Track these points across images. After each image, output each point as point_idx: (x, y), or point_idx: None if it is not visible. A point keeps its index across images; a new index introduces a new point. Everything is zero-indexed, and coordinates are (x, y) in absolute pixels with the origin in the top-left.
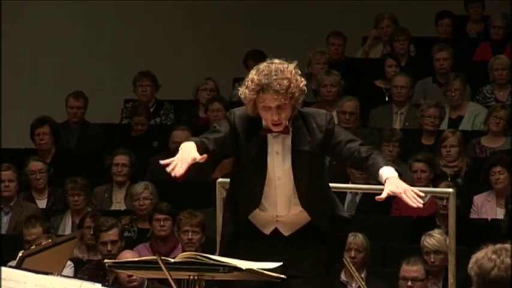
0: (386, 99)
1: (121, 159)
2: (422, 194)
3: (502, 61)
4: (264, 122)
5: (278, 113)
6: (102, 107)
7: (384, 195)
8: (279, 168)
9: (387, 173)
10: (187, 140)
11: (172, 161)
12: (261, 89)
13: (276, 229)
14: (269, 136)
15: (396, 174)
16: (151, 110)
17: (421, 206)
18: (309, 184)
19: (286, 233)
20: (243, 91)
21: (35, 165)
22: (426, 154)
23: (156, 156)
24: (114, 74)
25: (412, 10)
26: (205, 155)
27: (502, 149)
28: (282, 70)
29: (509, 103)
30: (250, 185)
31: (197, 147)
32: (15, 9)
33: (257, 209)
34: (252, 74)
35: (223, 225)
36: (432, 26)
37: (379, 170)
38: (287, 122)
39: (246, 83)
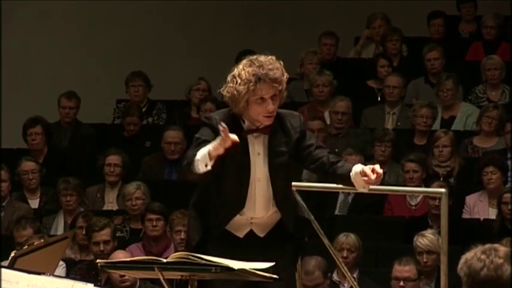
0: (379, 99)
1: (113, 159)
2: (380, 172)
3: (494, 61)
4: (245, 123)
5: (273, 103)
6: (94, 107)
7: (352, 171)
8: (260, 169)
9: (360, 165)
10: (179, 139)
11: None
12: (258, 79)
13: (251, 231)
14: (250, 137)
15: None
16: (144, 110)
17: (371, 180)
18: (284, 186)
19: (261, 234)
20: (232, 87)
21: (28, 165)
22: (418, 154)
23: (148, 156)
24: (106, 74)
25: (405, 10)
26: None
27: (494, 149)
28: (271, 61)
29: (501, 103)
30: (234, 187)
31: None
32: (8, 9)
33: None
34: (240, 69)
35: (189, 233)
36: (424, 26)
37: (351, 168)
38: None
39: (235, 79)
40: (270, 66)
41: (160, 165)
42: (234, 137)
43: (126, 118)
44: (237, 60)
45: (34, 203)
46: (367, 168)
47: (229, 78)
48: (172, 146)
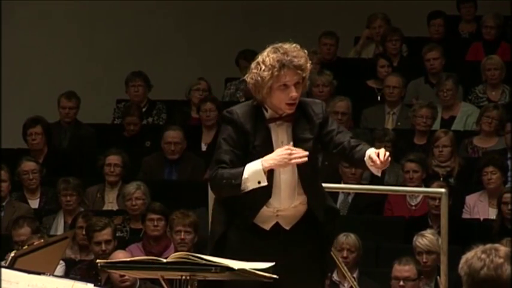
0: (379, 99)
1: (113, 159)
2: (387, 155)
3: (494, 61)
4: (268, 112)
5: (296, 90)
6: (94, 107)
7: (366, 156)
8: None
9: (371, 150)
10: (179, 139)
11: (284, 158)
12: (282, 65)
13: (276, 224)
14: (273, 126)
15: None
16: (144, 110)
17: (378, 165)
18: (311, 173)
19: (287, 227)
20: (256, 74)
21: (28, 165)
22: (418, 154)
23: (148, 156)
24: (106, 74)
25: (405, 10)
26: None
27: (494, 149)
28: (295, 49)
29: (501, 103)
30: None
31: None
32: (8, 9)
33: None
34: (265, 56)
35: (213, 227)
36: (424, 26)
37: (365, 152)
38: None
39: (259, 66)
40: (295, 54)
41: (160, 165)
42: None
43: (126, 118)
44: (237, 60)
45: (34, 203)
46: (374, 154)
47: (253, 65)
48: (172, 146)
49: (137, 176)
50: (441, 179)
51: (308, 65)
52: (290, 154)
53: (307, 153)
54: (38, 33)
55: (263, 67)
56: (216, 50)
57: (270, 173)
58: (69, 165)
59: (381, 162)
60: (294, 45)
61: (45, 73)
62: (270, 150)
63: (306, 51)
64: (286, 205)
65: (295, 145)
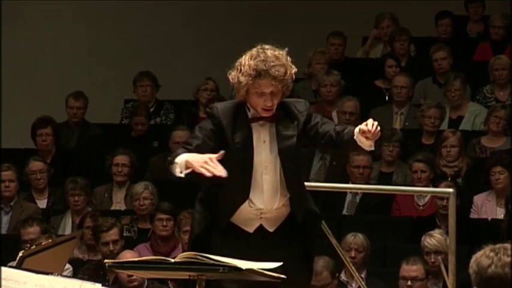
0: (387, 99)
1: (121, 159)
2: (375, 123)
3: (502, 61)
4: (250, 111)
5: (271, 98)
6: (102, 107)
7: (354, 134)
8: (267, 156)
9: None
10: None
11: (196, 168)
12: (258, 74)
13: (260, 226)
14: (255, 125)
15: None
16: (152, 110)
17: (370, 133)
18: (294, 171)
19: (271, 229)
20: (235, 75)
21: (36, 165)
22: (426, 154)
23: (156, 156)
24: (114, 74)
25: (413, 10)
26: (221, 152)
27: (502, 149)
28: (277, 57)
29: (509, 103)
30: (238, 176)
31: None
32: (16, 9)
33: (243, 204)
34: (246, 59)
35: (192, 226)
36: (432, 26)
37: (353, 131)
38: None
39: (239, 68)
40: (273, 63)
41: None
42: (220, 173)
43: (134, 118)
44: None
45: (42, 203)
46: (362, 125)
47: (236, 63)
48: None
49: (145, 176)
50: (449, 179)
51: (287, 75)
52: (206, 163)
53: (224, 173)
54: (46, 33)
55: (242, 70)
56: (224, 50)
57: (249, 173)
58: (77, 165)
59: (370, 131)
60: (278, 52)
61: (53, 73)
62: (250, 148)
63: (289, 58)
64: (269, 206)
65: (278, 142)
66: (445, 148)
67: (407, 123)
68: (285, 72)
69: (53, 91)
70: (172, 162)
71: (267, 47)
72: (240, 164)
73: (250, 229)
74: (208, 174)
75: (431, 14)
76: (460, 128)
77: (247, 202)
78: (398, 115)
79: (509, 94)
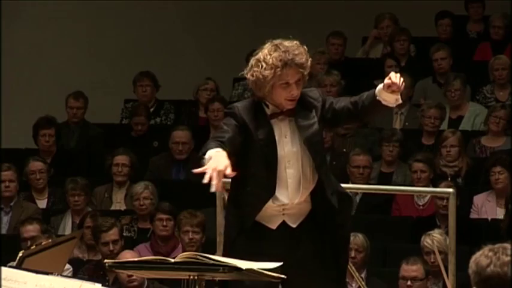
0: None
1: (121, 159)
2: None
3: (502, 61)
4: (269, 108)
5: (297, 87)
6: (102, 107)
7: (386, 81)
8: (289, 151)
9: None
10: (187, 139)
11: (206, 169)
12: (285, 64)
13: (283, 222)
14: (275, 121)
15: None
16: (152, 110)
17: (396, 84)
18: (322, 157)
19: (293, 225)
20: (258, 71)
21: (35, 165)
22: (426, 154)
23: (156, 156)
24: (114, 74)
25: (413, 10)
26: (233, 173)
27: (502, 149)
28: (296, 46)
29: (509, 103)
30: (263, 172)
31: (227, 153)
32: (15, 9)
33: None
34: (266, 54)
35: (226, 229)
36: (432, 26)
37: (374, 91)
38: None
39: (260, 64)
40: (296, 52)
41: (168, 165)
42: (213, 188)
43: (134, 118)
44: (246, 60)
45: (42, 203)
46: (386, 80)
47: (253, 62)
48: (180, 146)
49: (145, 176)
50: (449, 179)
51: (308, 62)
52: (215, 171)
53: (219, 186)
54: (46, 33)
55: (264, 65)
56: (224, 50)
57: (273, 170)
58: (77, 165)
59: (395, 83)
60: (295, 42)
61: (53, 73)
62: (274, 144)
63: (305, 47)
64: (293, 199)
65: (301, 133)
66: (445, 148)
67: (407, 123)
68: (307, 58)
69: (53, 91)
70: (202, 158)
71: (279, 40)
72: (265, 161)
73: (273, 225)
74: (206, 179)
75: (431, 14)
76: (460, 128)
77: (271, 199)
78: (398, 115)
79: (509, 94)
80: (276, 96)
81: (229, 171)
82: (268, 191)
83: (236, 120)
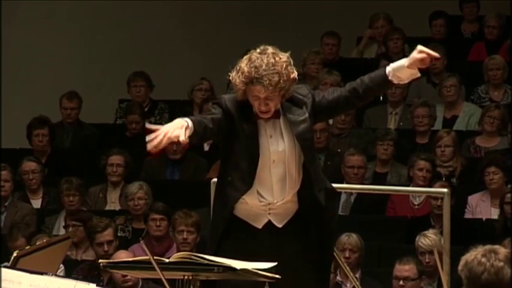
0: (381, 99)
1: (115, 159)
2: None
3: (496, 61)
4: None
5: (266, 103)
6: (96, 107)
7: (418, 56)
8: (274, 151)
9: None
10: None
11: (157, 129)
12: (250, 81)
13: (269, 222)
14: (261, 121)
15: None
16: (146, 110)
17: (430, 54)
18: (313, 154)
19: (279, 224)
20: (233, 76)
21: (29, 165)
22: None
23: (150, 156)
24: (108, 74)
25: (407, 10)
26: (187, 140)
27: (496, 148)
28: (273, 63)
29: (503, 103)
30: (244, 164)
31: (194, 126)
32: (10, 9)
33: (252, 199)
34: (244, 63)
35: (213, 218)
36: (427, 26)
37: (384, 70)
38: (275, 108)
39: (237, 69)
40: (265, 72)
41: (163, 165)
42: (149, 146)
43: (128, 117)
44: None
45: (36, 203)
46: (417, 55)
47: (236, 65)
48: (175, 146)
49: (139, 176)
50: (443, 179)
51: (282, 81)
52: (164, 134)
53: (154, 149)
54: (40, 33)
55: (239, 74)
56: (219, 50)
57: (254, 166)
58: (72, 165)
59: (430, 54)
60: (277, 58)
61: (48, 73)
62: (256, 144)
63: (286, 62)
64: (278, 198)
65: (293, 130)
66: (440, 148)
67: (401, 123)
68: (278, 81)
69: (47, 91)
70: None
71: (270, 50)
72: (248, 154)
73: (259, 225)
74: (150, 137)
75: (425, 14)
76: (455, 128)
77: (256, 196)
78: (392, 115)
79: (504, 94)
80: (251, 102)
81: (181, 139)
82: (247, 183)
83: (222, 109)
